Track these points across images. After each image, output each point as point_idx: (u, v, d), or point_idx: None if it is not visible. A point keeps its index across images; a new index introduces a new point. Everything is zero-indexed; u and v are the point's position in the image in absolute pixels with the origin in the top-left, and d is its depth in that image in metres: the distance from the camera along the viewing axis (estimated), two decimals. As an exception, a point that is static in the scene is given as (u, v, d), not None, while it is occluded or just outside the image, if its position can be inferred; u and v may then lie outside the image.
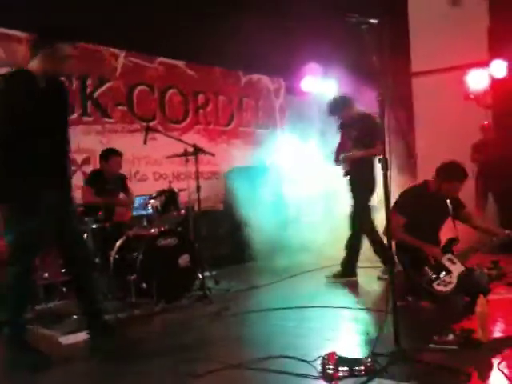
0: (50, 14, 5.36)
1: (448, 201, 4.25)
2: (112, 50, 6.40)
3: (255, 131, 7.93)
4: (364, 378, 2.56)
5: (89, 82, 6.16)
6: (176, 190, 5.03)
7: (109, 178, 5.27)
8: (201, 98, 7.36)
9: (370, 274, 5.27)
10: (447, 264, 4.05)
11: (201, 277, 4.84)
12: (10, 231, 3.17)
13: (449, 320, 3.47)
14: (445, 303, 3.95)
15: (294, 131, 7.44)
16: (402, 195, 4.28)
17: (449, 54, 7.61)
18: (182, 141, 5.11)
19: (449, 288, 3.95)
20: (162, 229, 4.76)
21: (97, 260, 4.63)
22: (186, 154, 5.04)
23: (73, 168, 5.89)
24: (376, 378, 2.59)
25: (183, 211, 5.09)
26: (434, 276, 4.01)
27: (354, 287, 5.03)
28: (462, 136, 6.98)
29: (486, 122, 7.29)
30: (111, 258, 4.68)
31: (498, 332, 3.28)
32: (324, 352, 2.86)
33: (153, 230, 4.76)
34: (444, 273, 4.01)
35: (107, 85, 6.30)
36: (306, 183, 6.80)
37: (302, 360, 2.97)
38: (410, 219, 4.15)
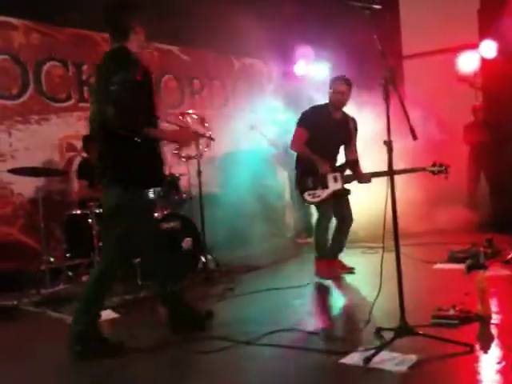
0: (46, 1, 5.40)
1: (350, 127, 4.66)
2: (105, 35, 6.38)
3: (249, 115, 7.97)
4: (372, 351, 2.67)
5: (84, 67, 6.15)
6: (177, 175, 5.10)
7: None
8: (196, 83, 7.39)
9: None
10: (329, 181, 4.49)
11: (203, 259, 4.93)
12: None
13: (448, 295, 3.60)
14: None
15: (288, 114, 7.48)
16: (306, 112, 4.65)
17: (439, 36, 7.69)
18: (181, 126, 5.15)
19: (315, 200, 4.48)
20: (165, 212, 4.83)
21: (101, 244, 4.69)
22: (186, 138, 5.09)
23: (72, 154, 5.96)
24: (383, 350, 2.70)
25: (184, 195, 5.16)
26: (311, 186, 4.49)
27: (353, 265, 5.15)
28: (453, 118, 7.09)
29: (477, 103, 7.42)
30: (115, 242, 4.74)
31: (495, 306, 3.41)
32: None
33: (156, 214, 4.82)
34: (320, 187, 4.48)
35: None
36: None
37: (311, 332, 3.09)
38: (311, 135, 4.52)
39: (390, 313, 3.10)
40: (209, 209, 5.25)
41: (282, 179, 7.56)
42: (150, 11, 5.89)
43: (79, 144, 5.82)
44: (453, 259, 4.77)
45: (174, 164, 5.92)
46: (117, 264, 3.25)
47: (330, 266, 4.64)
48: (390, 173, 3.71)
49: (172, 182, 5.03)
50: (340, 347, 2.87)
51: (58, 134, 5.86)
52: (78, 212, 4.99)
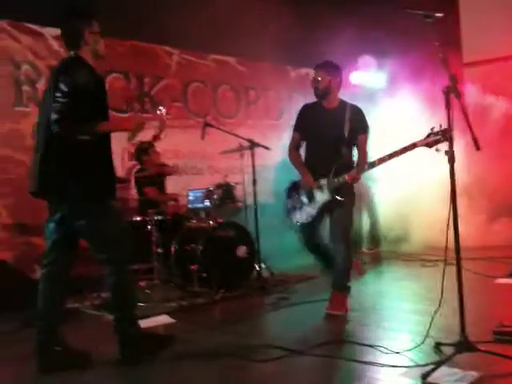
0: (105, 14, 5.62)
1: (348, 116, 3.91)
2: (166, 48, 6.61)
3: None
4: (431, 366, 2.61)
5: (146, 80, 6.37)
6: (232, 184, 5.18)
7: (153, 172, 5.46)
8: (251, 93, 7.48)
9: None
10: (316, 192, 3.88)
11: (258, 268, 4.97)
12: None
13: (511, 310, 3.47)
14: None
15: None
16: (297, 111, 4.15)
17: (501, 43, 7.46)
18: (238, 136, 5.24)
19: (304, 219, 3.90)
20: (220, 221, 4.91)
21: (159, 250, 4.83)
22: (242, 148, 5.18)
23: (132, 163, 6.15)
24: (442, 366, 2.63)
25: (240, 204, 5.23)
26: (298, 205, 3.95)
27: (410, 279, 5.05)
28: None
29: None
30: (172, 249, 4.87)
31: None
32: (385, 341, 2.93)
33: (211, 222, 4.92)
34: (307, 201, 3.92)
35: (163, 82, 6.50)
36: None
37: (365, 344, 3.05)
38: (305, 134, 4.02)
39: (449, 328, 3.02)
40: (263, 217, 5.29)
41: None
42: (205, 24, 6.12)
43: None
44: (515, 274, 4.59)
45: (229, 173, 6.02)
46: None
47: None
48: (379, 162, 3.63)
49: (227, 191, 5.11)
50: (397, 361, 2.82)
51: (120, 143, 6.07)
52: (138, 218, 5.14)
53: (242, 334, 3.59)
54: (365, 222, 6.75)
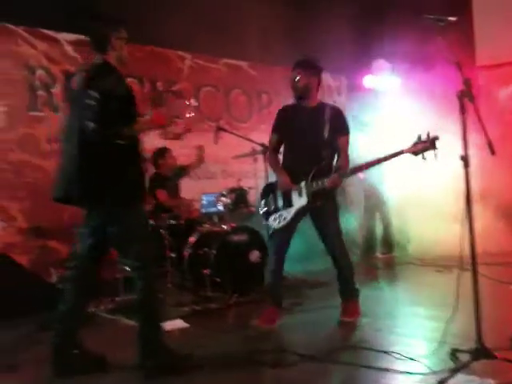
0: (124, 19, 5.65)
1: (327, 117, 3.71)
2: (179, 53, 6.65)
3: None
4: (448, 373, 2.59)
5: (158, 84, 6.41)
6: (246, 188, 5.19)
7: (168, 176, 5.49)
8: (264, 97, 7.49)
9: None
10: (293, 196, 3.67)
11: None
12: None
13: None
14: None
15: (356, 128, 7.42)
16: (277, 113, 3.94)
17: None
18: (251, 140, 5.25)
19: (281, 224, 3.67)
20: (234, 225, 4.92)
21: (172, 255, 4.84)
22: (255, 152, 5.18)
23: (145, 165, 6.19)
24: (459, 373, 2.61)
25: (253, 208, 5.23)
26: (273, 208, 3.74)
27: (424, 285, 5.02)
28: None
29: None
30: (185, 253, 4.88)
31: None
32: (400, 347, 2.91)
33: (224, 227, 4.92)
34: (283, 205, 3.71)
35: (175, 87, 6.54)
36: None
37: (380, 351, 3.03)
38: (284, 136, 3.83)
39: (465, 334, 2.98)
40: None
41: (352, 192, 7.46)
42: (217, 28, 6.14)
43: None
44: (532, 280, 4.54)
45: (243, 177, 6.03)
46: None
47: None
48: (364, 167, 3.60)
49: (240, 195, 5.12)
50: (413, 368, 2.80)
51: (133, 147, 6.11)
52: (151, 222, 5.16)
53: (255, 338, 3.59)
54: (378, 227, 6.71)
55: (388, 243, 6.69)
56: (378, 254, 6.74)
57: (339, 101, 8.39)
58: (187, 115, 3.29)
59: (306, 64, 3.81)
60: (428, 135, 3.27)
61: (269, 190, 3.89)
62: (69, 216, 5.57)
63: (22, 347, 3.65)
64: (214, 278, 4.65)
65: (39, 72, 5.56)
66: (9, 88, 5.33)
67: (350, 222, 7.16)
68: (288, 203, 3.70)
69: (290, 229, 3.75)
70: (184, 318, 4.10)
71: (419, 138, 3.27)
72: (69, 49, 5.74)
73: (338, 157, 3.76)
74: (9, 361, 3.28)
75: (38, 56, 5.55)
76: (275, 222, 3.73)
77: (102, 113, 2.82)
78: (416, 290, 4.92)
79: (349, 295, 3.87)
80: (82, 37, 5.75)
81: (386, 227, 6.70)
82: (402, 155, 3.38)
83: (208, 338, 3.68)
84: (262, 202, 3.89)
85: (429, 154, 3.27)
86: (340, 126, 3.76)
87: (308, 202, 3.63)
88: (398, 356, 2.97)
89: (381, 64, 7.61)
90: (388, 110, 6.59)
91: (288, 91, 7.19)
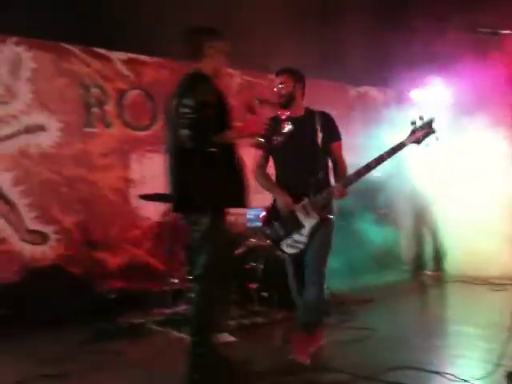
0: (174, 39, 5.80)
1: (318, 124, 3.43)
2: (228, 70, 6.75)
3: (365, 143, 7.90)
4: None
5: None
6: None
7: None
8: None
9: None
10: (300, 216, 3.33)
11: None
12: None
13: None
14: None
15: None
16: None
17: None
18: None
19: (296, 250, 3.33)
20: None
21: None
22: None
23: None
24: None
25: (299, 222, 5.20)
26: (283, 233, 3.36)
27: (476, 303, 4.87)
28: None
29: None
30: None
31: None
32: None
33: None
34: (293, 228, 3.33)
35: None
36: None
37: (433, 371, 2.95)
38: (273, 151, 3.49)
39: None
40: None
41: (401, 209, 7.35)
42: (264, 44, 6.20)
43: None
44: None
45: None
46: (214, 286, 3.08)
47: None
48: (365, 170, 3.31)
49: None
50: (466, 390, 2.73)
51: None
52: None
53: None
54: (427, 244, 6.56)
55: (438, 261, 6.53)
56: (428, 272, 6.58)
57: (385, 114, 8.30)
58: (285, 129, 3.13)
59: (289, 70, 3.56)
60: (422, 119, 3.13)
61: (271, 218, 3.51)
62: (119, 229, 5.75)
63: (72, 356, 3.73)
64: (261, 293, 4.65)
65: (93, 90, 5.76)
66: (65, 105, 5.55)
67: (398, 239, 7.08)
68: (296, 225, 3.36)
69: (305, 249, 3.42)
70: (231, 332, 4.11)
71: (414, 124, 3.14)
72: (121, 67, 5.94)
73: (335, 165, 3.54)
74: (59, 370, 3.36)
75: (93, 74, 5.76)
76: (292, 249, 3.41)
77: (196, 120, 2.84)
78: (468, 309, 4.77)
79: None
80: (133, 55, 6.00)
81: (436, 244, 6.55)
82: (404, 148, 3.21)
83: (255, 352, 3.68)
84: (268, 232, 3.52)
85: (430, 139, 3.14)
86: (332, 133, 3.50)
87: (320, 218, 3.33)
88: (450, 377, 2.89)
89: (430, 78, 7.49)
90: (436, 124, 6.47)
91: (335, 105, 7.18)
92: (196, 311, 3.04)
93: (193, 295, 3.04)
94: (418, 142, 3.17)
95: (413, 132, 3.17)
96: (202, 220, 2.97)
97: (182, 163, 2.99)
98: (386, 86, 8.24)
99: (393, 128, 7.51)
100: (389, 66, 7.07)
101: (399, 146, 3.22)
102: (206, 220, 2.97)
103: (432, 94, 7.61)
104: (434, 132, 3.15)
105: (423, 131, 3.14)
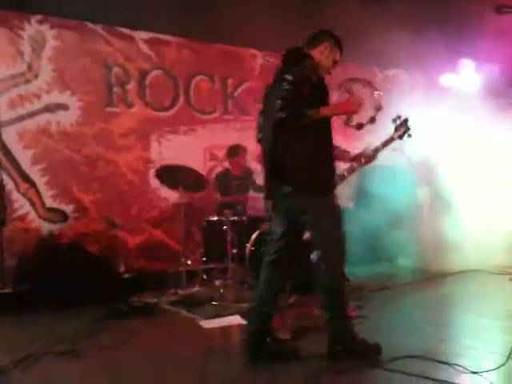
0: (197, 19, 5.74)
1: None
2: (251, 51, 6.68)
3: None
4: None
5: (229, 82, 6.48)
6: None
7: (236, 175, 5.50)
8: (336, 95, 7.36)
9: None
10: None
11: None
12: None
13: None
14: None
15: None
16: None
17: None
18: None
19: None
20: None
21: (234, 251, 4.87)
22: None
23: (213, 163, 6.28)
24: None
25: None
26: None
27: (496, 294, 4.73)
28: None
29: None
30: (247, 250, 4.89)
31: None
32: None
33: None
34: None
35: (246, 84, 6.57)
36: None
37: (442, 362, 2.88)
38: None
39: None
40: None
41: (421, 196, 7.19)
42: (288, 25, 6.08)
43: (221, 154, 6.12)
44: None
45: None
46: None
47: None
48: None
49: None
50: (474, 383, 2.63)
51: (203, 144, 6.23)
52: (215, 218, 5.22)
53: (314, 341, 3.49)
54: (448, 233, 6.39)
55: (453, 249, 6.35)
56: (444, 261, 6.42)
57: (414, 98, 8.09)
58: (375, 95, 3.37)
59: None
60: (399, 118, 3.58)
61: None
62: (138, 209, 5.78)
63: (87, 334, 3.76)
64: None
65: (115, 69, 5.77)
66: (87, 85, 5.58)
67: (415, 228, 6.94)
68: None
69: None
70: (242, 314, 4.10)
71: (395, 121, 3.58)
72: (144, 46, 5.92)
73: None
74: (73, 347, 3.40)
75: (115, 54, 5.77)
76: None
77: (291, 93, 2.88)
78: (485, 299, 4.63)
79: None
80: (155, 35, 5.97)
81: (455, 232, 6.37)
82: (393, 142, 3.62)
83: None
84: None
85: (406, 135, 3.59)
86: None
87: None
88: (459, 368, 2.81)
89: (461, 63, 7.26)
90: (466, 110, 6.28)
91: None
92: (327, 289, 3.15)
93: (319, 274, 3.16)
94: (401, 137, 3.64)
95: (397, 128, 3.62)
96: (320, 201, 3.04)
97: (286, 149, 3.01)
98: (416, 70, 8.02)
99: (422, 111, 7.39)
100: (417, 49, 6.87)
101: (389, 141, 3.65)
102: (325, 200, 3.06)
103: (464, 80, 7.40)
104: (409, 129, 3.61)
105: (403, 128, 3.60)
